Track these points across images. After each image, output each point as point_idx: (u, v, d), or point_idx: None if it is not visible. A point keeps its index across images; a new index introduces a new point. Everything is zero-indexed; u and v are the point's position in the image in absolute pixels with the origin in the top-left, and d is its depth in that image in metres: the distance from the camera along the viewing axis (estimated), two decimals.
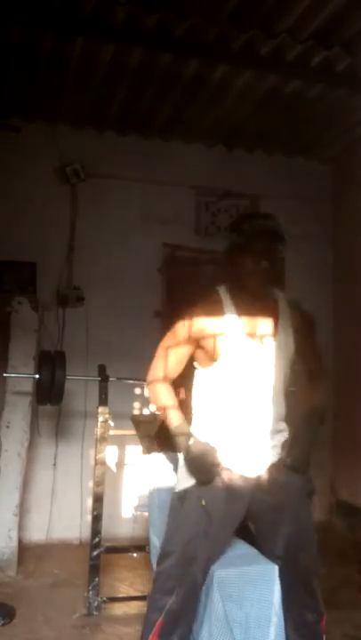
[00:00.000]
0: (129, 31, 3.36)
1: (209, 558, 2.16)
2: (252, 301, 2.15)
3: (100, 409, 3.23)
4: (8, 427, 3.77)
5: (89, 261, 4.54)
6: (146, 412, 4.52)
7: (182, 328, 2.21)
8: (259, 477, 2.22)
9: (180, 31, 3.37)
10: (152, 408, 4.54)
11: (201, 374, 2.31)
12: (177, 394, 2.36)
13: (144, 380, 4.42)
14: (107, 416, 3.23)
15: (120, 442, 4.30)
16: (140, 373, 4.30)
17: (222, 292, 2.21)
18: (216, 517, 2.15)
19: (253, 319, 2.16)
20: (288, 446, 2.21)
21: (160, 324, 4.69)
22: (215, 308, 2.17)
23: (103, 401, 3.28)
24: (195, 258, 4.87)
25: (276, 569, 2.21)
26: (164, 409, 2.24)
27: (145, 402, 4.58)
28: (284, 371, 2.23)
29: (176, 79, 3.86)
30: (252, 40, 3.44)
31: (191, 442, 2.15)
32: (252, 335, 2.16)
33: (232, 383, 2.18)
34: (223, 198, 4.96)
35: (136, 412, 4.45)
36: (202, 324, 2.17)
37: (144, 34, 3.38)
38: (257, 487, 2.22)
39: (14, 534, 3.70)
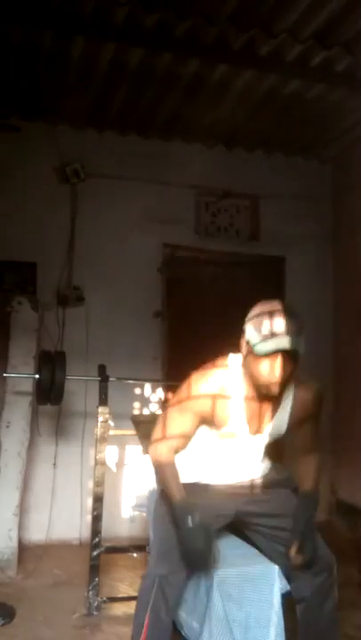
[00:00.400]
0: (129, 31, 3.36)
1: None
2: (261, 397, 2.16)
3: (100, 409, 3.23)
4: (8, 426, 3.76)
5: (89, 261, 4.54)
6: (146, 411, 4.52)
7: (190, 403, 2.17)
8: (245, 491, 2.31)
9: (180, 31, 3.37)
10: (152, 408, 4.56)
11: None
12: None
13: (144, 380, 4.47)
14: (107, 416, 3.23)
15: (120, 442, 4.30)
16: (140, 373, 4.35)
17: (235, 369, 2.20)
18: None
19: (257, 411, 2.20)
20: (296, 545, 2.18)
21: (160, 324, 4.70)
22: (222, 388, 2.16)
23: (103, 401, 3.28)
24: (195, 258, 4.87)
25: (276, 569, 2.21)
26: (168, 487, 2.18)
27: (145, 402, 4.59)
28: (277, 445, 2.32)
29: (176, 79, 3.86)
30: (252, 40, 3.44)
31: (190, 524, 2.04)
32: (252, 418, 2.20)
33: (224, 448, 2.26)
34: (223, 198, 4.96)
35: (136, 411, 4.46)
36: (207, 404, 2.16)
37: (144, 34, 3.38)
38: (244, 501, 2.29)
39: (14, 534, 3.70)
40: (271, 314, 2.02)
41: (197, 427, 2.19)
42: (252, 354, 2.06)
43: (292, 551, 2.17)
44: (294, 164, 5.12)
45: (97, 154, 4.58)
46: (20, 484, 3.77)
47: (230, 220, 5.09)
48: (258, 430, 2.22)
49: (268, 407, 2.20)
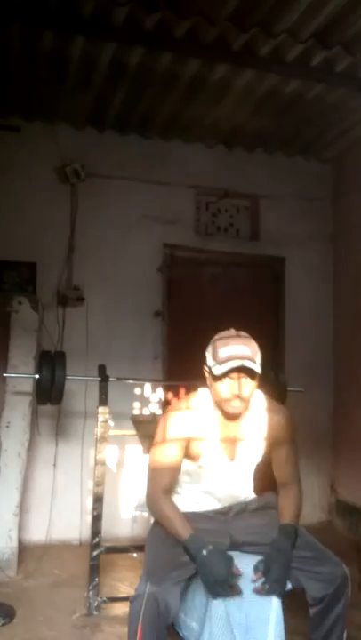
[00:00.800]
0: (129, 31, 3.36)
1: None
2: (229, 417, 2.28)
3: (100, 409, 3.23)
4: (8, 426, 3.76)
5: (89, 261, 4.54)
6: (146, 411, 4.52)
7: (172, 431, 2.27)
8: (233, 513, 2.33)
9: (180, 31, 3.37)
10: (152, 408, 4.56)
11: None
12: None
13: (144, 380, 4.47)
14: (107, 416, 3.23)
15: (120, 442, 4.30)
16: (140, 373, 4.35)
17: (204, 400, 2.33)
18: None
19: (229, 431, 2.30)
20: (266, 569, 2.14)
21: (160, 324, 4.69)
22: (195, 421, 2.28)
23: (103, 401, 3.28)
24: (195, 258, 4.87)
25: None
26: (175, 529, 2.17)
27: (145, 402, 4.58)
28: (257, 467, 2.39)
29: (176, 79, 3.87)
30: (252, 40, 3.44)
31: (205, 553, 2.06)
32: (226, 444, 2.30)
33: (205, 476, 2.32)
34: (223, 198, 4.97)
35: (136, 411, 4.46)
36: (186, 429, 2.27)
37: (144, 34, 3.38)
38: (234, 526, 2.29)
39: (14, 534, 3.70)
40: (226, 340, 2.21)
41: (181, 457, 2.26)
42: (212, 378, 2.22)
43: (256, 575, 2.13)
44: (294, 164, 5.12)
45: (97, 154, 4.58)
46: (19, 484, 3.77)
47: (230, 220, 5.09)
48: (234, 456, 2.31)
49: (240, 433, 2.31)
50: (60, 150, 4.46)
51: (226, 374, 2.16)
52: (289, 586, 2.21)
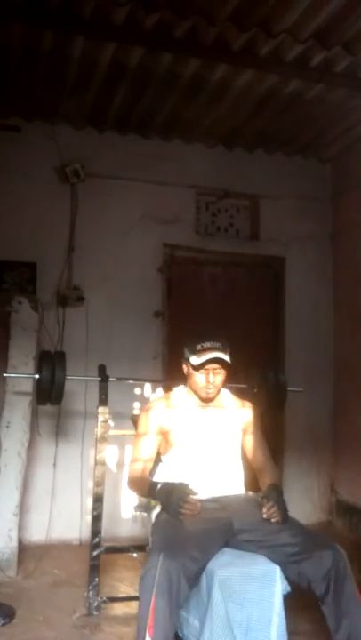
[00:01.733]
0: (129, 31, 3.36)
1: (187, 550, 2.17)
2: (204, 403, 2.70)
3: (100, 409, 3.23)
4: (8, 426, 3.76)
5: (89, 261, 4.54)
6: None
7: (147, 423, 2.70)
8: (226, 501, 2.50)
9: (180, 31, 3.37)
10: None
11: (164, 459, 2.72)
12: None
13: (144, 380, 4.47)
14: (107, 416, 3.23)
15: (120, 442, 4.30)
16: (140, 373, 4.35)
17: (180, 393, 2.79)
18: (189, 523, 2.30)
19: (205, 416, 2.69)
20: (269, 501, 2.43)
21: (160, 324, 4.69)
22: (174, 406, 2.72)
23: (103, 401, 3.28)
24: (195, 258, 4.87)
25: (277, 569, 2.21)
26: (146, 487, 2.55)
27: (145, 402, 4.58)
28: (233, 449, 2.69)
29: (176, 79, 3.87)
30: (252, 40, 3.44)
31: (159, 486, 2.46)
32: (203, 427, 2.67)
33: (188, 459, 2.62)
34: (223, 198, 4.97)
35: (136, 411, 4.44)
36: (162, 419, 2.68)
37: (144, 34, 3.38)
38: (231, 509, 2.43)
39: (14, 534, 3.70)
40: (201, 336, 2.63)
41: (157, 445, 2.67)
42: (190, 369, 2.64)
43: (265, 504, 2.38)
44: (294, 163, 5.12)
45: (97, 154, 4.58)
46: (20, 484, 3.77)
47: (230, 220, 5.09)
48: (211, 441, 2.62)
49: (215, 419, 2.68)
50: (60, 150, 4.46)
51: (203, 365, 2.57)
52: (288, 588, 2.21)
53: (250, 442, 2.77)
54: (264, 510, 2.37)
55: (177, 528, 2.27)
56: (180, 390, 2.79)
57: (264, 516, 2.35)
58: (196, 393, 2.67)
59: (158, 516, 2.51)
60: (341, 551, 2.25)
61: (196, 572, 2.12)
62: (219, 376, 2.62)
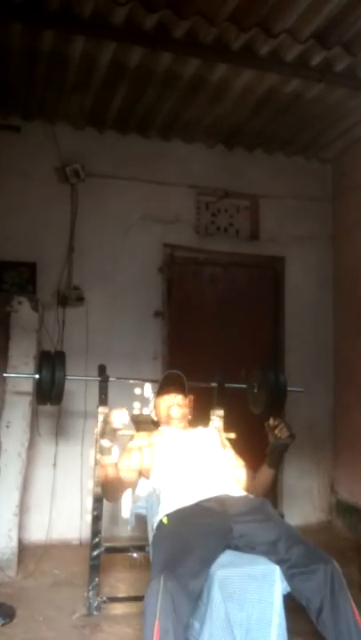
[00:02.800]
0: (129, 31, 3.36)
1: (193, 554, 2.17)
2: (174, 420, 3.05)
3: (100, 409, 3.23)
4: (8, 426, 3.76)
5: (89, 261, 4.54)
6: (146, 411, 4.51)
7: (130, 446, 2.99)
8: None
9: (180, 31, 3.37)
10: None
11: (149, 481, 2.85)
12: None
13: (144, 380, 4.47)
14: None
15: (120, 442, 4.29)
16: (140, 373, 4.34)
17: (159, 431, 3.10)
18: (191, 524, 2.33)
19: (184, 433, 3.01)
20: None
21: (160, 324, 4.70)
22: (156, 433, 3.05)
23: (103, 401, 3.28)
24: (195, 258, 4.87)
25: (277, 569, 2.20)
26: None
27: (145, 402, 4.58)
28: (215, 454, 2.92)
29: (176, 79, 3.87)
30: (252, 40, 3.44)
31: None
32: (184, 439, 2.94)
33: (175, 467, 2.77)
34: (223, 198, 4.97)
35: (136, 411, 4.45)
36: (145, 440, 2.98)
37: (144, 34, 3.38)
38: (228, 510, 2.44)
39: (14, 534, 3.70)
40: (164, 377, 3.17)
41: (140, 461, 2.89)
42: (157, 396, 3.13)
43: (273, 422, 2.68)
44: (294, 163, 5.12)
45: (97, 154, 4.58)
46: (19, 484, 3.77)
47: (230, 220, 5.09)
48: (194, 449, 2.84)
49: (194, 434, 3.01)
50: (60, 150, 4.46)
51: (163, 390, 3.09)
52: (288, 588, 2.21)
53: (226, 453, 2.99)
54: (276, 429, 2.66)
55: (176, 541, 2.22)
56: (159, 429, 3.10)
57: (276, 432, 2.66)
58: (165, 417, 3.07)
59: (159, 527, 2.48)
60: (337, 566, 2.18)
61: (198, 588, 2.10)
62: (178, 397, 3.08)
